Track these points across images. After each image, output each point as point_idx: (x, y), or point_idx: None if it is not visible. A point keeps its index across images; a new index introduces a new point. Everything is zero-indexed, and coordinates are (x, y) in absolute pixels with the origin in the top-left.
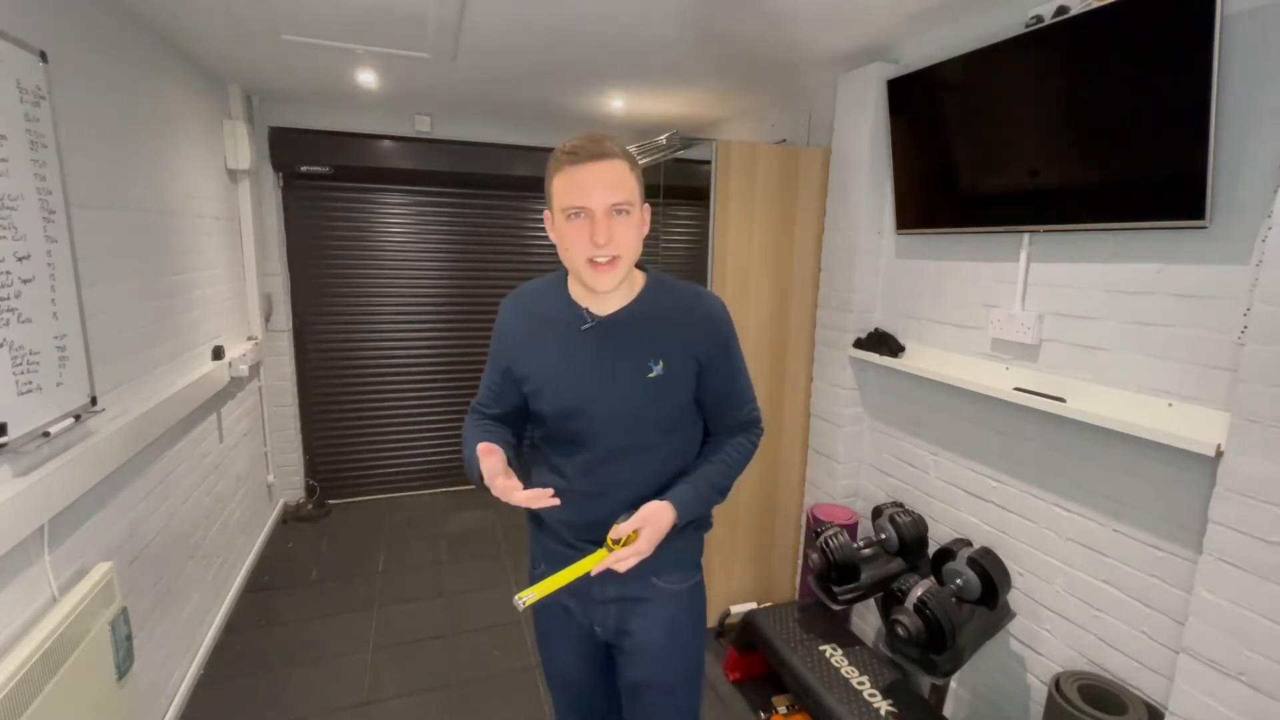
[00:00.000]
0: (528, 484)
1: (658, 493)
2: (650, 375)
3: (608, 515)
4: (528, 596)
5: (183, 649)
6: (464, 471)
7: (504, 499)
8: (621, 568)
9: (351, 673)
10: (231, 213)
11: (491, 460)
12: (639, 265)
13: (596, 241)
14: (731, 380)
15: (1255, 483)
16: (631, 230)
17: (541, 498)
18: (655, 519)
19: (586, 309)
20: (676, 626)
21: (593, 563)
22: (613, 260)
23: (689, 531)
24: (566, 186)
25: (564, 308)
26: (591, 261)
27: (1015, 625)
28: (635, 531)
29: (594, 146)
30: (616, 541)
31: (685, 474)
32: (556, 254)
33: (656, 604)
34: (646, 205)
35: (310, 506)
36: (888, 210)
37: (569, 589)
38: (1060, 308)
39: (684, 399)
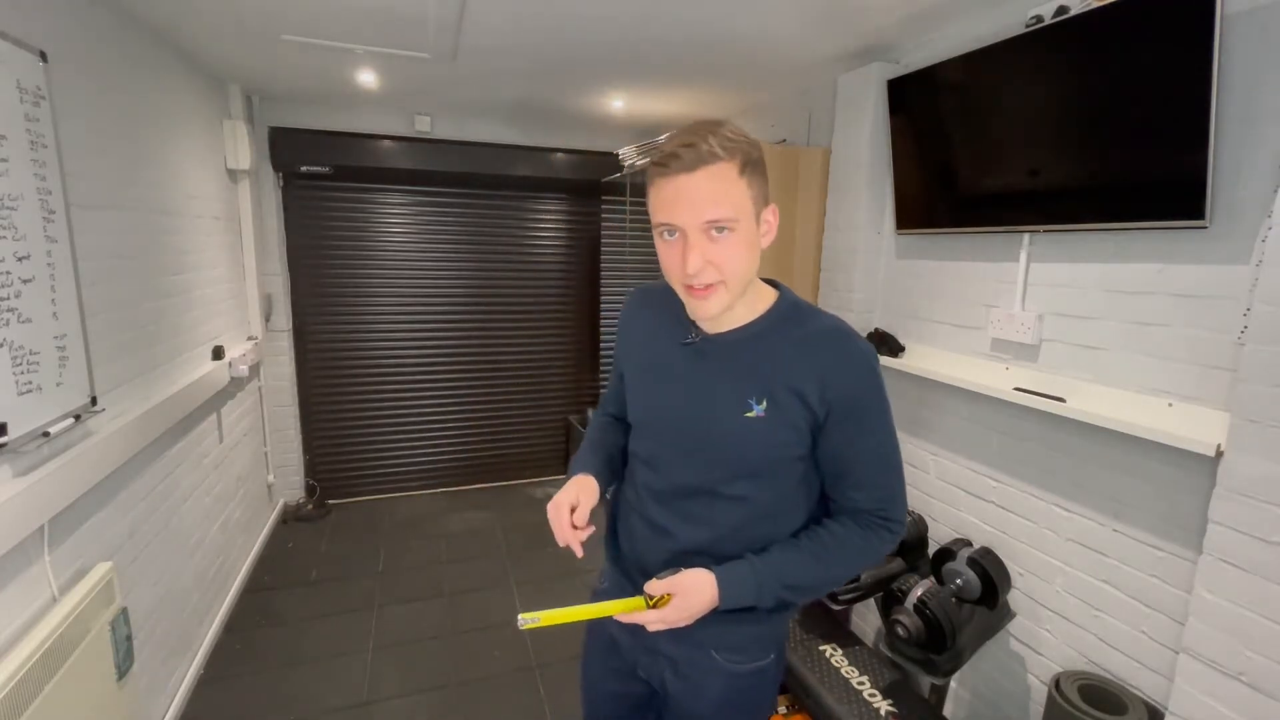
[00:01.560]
0: (618, 490)
1: (733, 555)
2: (748, 415)
3: (668, 558)
4: (532, 620)
5: (183, 649)
6: (465, 471)
7: (553, 527)
8: (649, 628)
9: (351, 673)
10: (231, 213)
11: (570, 493)
12: (772, 282)
13: (687, 270)
14: (854, 450)
15: (1255, 483)
16: (735, 251)
17: (575, 546)
18: (690, 591)
19: (695, 321)
20: (728, 706)
21: (620, 609)
22: (711, 286)
23: (762, 613)
24: (656, 201)
25: (674, 315)
26: (689, 287)
27: (1015, 625)
28: (668, 595)
29: (689, 155)
30: (652, 598)
31: (766, 547)
32: (555, 254)
33: (712, 678)
34: (772, 206)
35: (310, 506)
36: (888, 210)
37: (621, 624)
38: (1060, 308)
39: (787, 452)
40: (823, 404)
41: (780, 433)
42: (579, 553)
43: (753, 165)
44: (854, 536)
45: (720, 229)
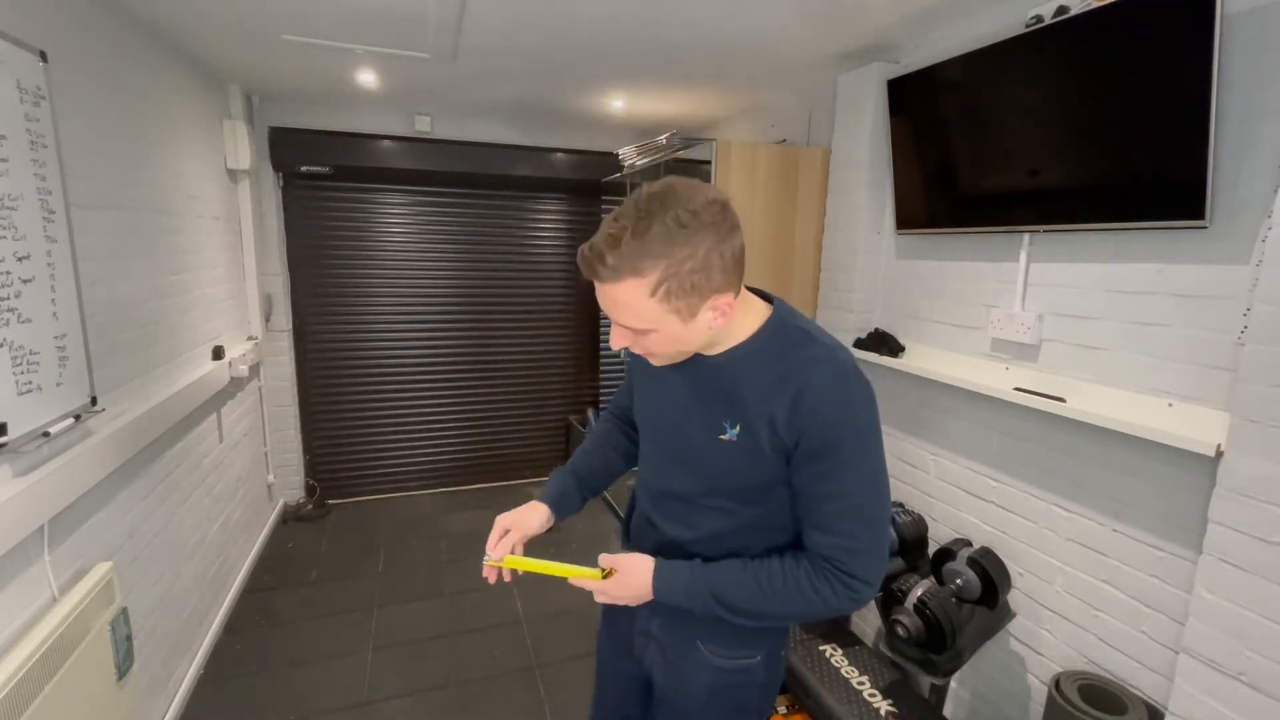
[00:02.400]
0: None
1: (712, 557)
2: (721, 437)
3: (653, 547)
4: (496, 556)
5: (183, 649)
6: (465, 471)
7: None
8: (596, 598)
9: (351, 673)
10: (231, 213)
11: (512, 518)
12: (767, 297)
13: (611, 345)
14: (820, 489)
15: (1255, 483)
16: (658, 343)
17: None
18: (628, 571)
19: None
20: (711, 704)
21: (576, 574)
22: (646, 352)
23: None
24: None
25: None
26: None
27: (1015, 625)
28: (612, 570)
29: (600, 268)
30: (604, 570)
31: (731, 555)
32: (555, 254)
33: (697, 671)
34: (722, 299)
35: (310, 506)
36: (888, 210)
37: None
38: (1060, 308)
39: (760, 477)
40: (791, 433)
41: (751, 458)
42: (487, 569)
43: (673, 280)
44: (803, 580)
45: (636, 331)
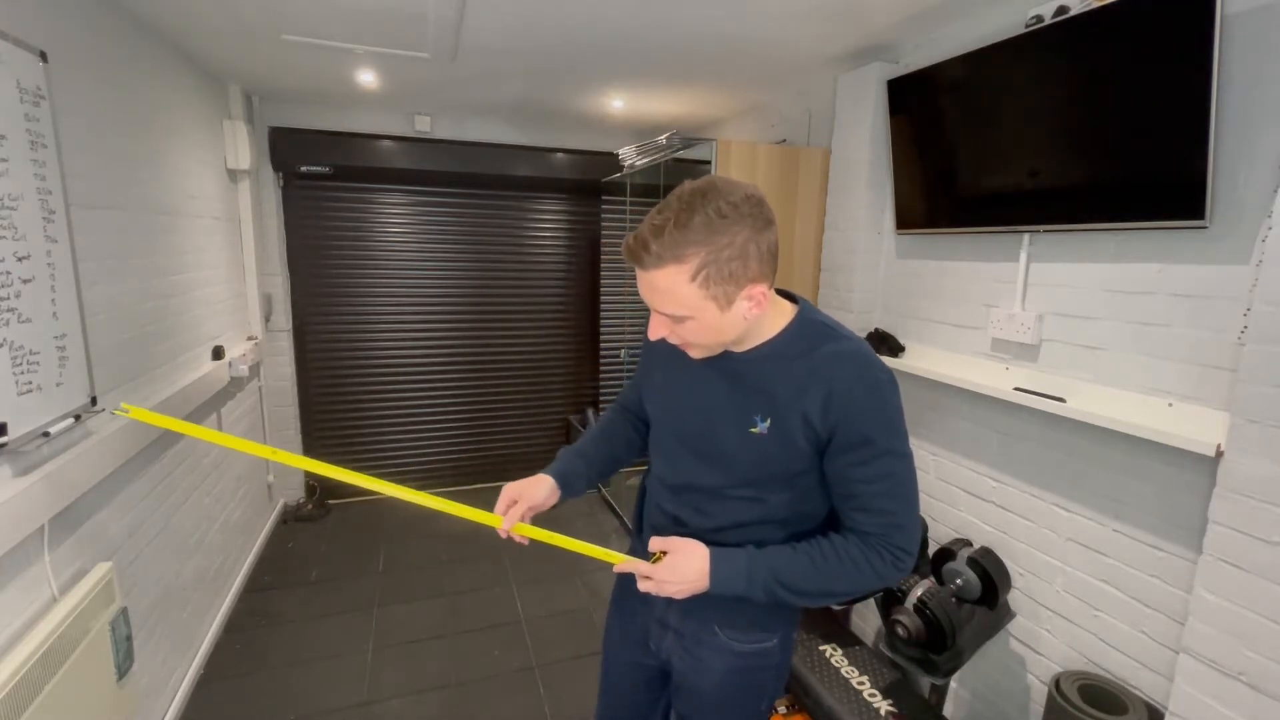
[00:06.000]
0: (646, 472)
1: (734, 542)
2: (752, 430)
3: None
4: (507, 524)
5: (183, 649)
6: (465, 471)
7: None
8: (640, 586)
9: (351, 673)
10: (231, 213)
11: (518, 488)
12: (791, 297)
13: (648, 335)
14: (858, 474)
15: (1255, 483)
16: (696, 331)
17: (500, 528)
18: (682, 551)
19: None
20: (729, 685)
21: (618, 558)
22: (683, 343)
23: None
24: None
25: None
26: None
27: (1015, 625)
28: (664, 553)
29: (643, 255)
30: (653, 554)
31: (756, 541)
32: (555, 254)
33: (715, 655)
34: (756, 288)
35: (310, 506)
36: (888, 210)
37: (639, 593)
38: (1060, 308)
39: (792, 467)
40: (825, 426)
41: (783, 450)
42: (501, 533)
43: (713, 266)
44: (854, 551)
45: (675, 318)
